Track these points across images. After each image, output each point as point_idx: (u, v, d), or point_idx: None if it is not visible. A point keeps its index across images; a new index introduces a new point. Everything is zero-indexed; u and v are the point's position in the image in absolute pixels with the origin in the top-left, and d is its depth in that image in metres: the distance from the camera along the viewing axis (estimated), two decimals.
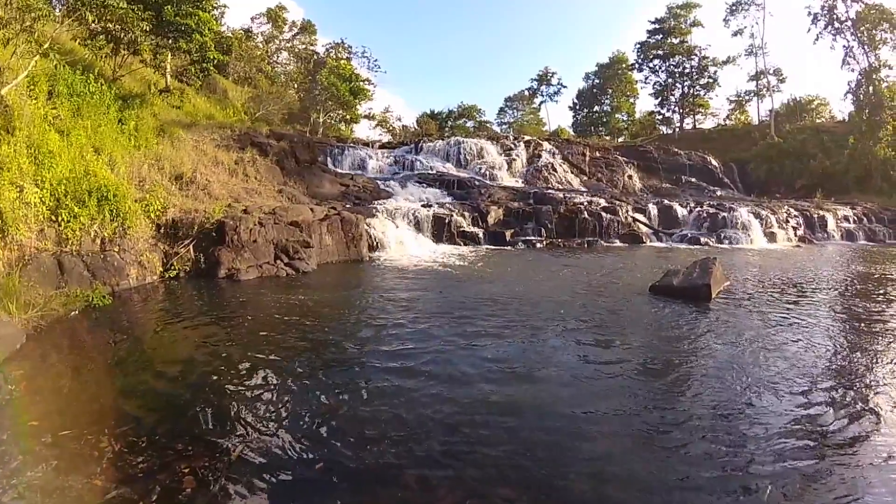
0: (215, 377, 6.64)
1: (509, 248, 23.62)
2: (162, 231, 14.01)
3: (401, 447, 4.97)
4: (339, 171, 30.97)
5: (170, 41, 23.01)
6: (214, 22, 27.17)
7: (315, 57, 43.37)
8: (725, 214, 29.43)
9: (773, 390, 6.57)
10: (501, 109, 78.17)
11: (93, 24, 17.51)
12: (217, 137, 22.77)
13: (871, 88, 46.17)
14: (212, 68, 27.54)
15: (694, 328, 9.82)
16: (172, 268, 13.37)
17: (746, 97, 66.39)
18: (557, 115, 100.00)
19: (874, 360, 8.14)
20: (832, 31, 49.77)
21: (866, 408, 6.17)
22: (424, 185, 30.50)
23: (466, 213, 24.89)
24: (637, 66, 69.13)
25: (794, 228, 30.69)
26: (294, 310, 10.44)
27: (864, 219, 34.48)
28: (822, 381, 7.00)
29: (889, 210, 35.89)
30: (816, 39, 50.82)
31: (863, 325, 10.52)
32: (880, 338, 9.49)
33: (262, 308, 10.68)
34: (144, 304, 10.96)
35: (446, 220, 23.55)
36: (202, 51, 24.59)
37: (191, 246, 13.91)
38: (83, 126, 14.02)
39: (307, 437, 5.14)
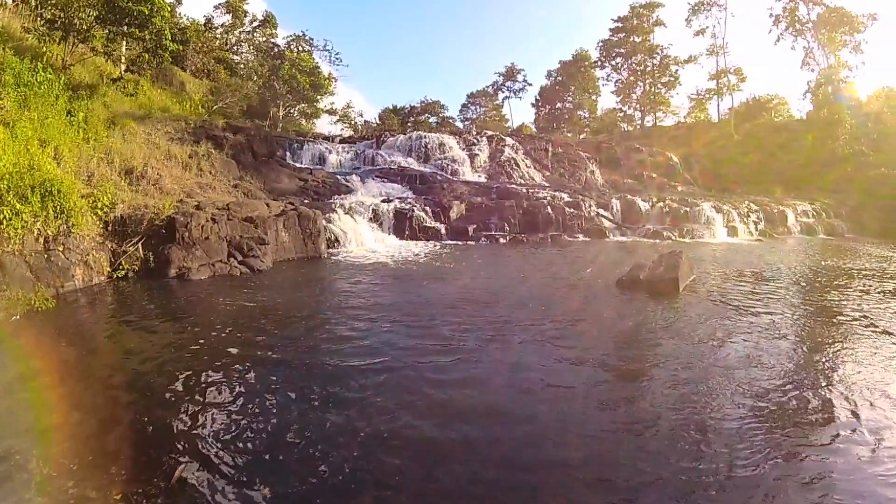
0: (159, 390, 6.31)
1: (472, 243, 23.46)
2: (110, 228, 13.42)
3: (356, 465, 4.77)
4: (297, 165, 30.46)
5: (123, 28, 22.20)
6: (169, 10, 26.43)
7: (275, 49, 42.50)
8: (687, 209, 30.01)
9: (745, 385, 6.77)
10: (464, 105, 77.89)
11: (37, 11, 16.84)
12: (171, 130, 22.15)
13: (829, 88, 47.38)
14: (167, 57, 26.70)
15: (664, 323, 9.91)
16: (121, 267, 12.80)
17: (707, 95, 67.35)
18: (520, 112, 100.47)
19: (831, 348, 8.61)
20: (793, 33, 51.42)
21: (828, 395, 6.54)
22: (385, 179, 30.20)
23: (428, 209, 24.70)
24: (599, 63, 69.60)
25: (755, 223, 31.44)
26: (245, 313, 10.04)
27: (823, 214, 35.37)
28: (787, 372, 7.35)
29: (846, 205, 36.87)
30: (777, 41, 52.61)
31: (822, 314, 11.13)
32: (838, 326, 10.03)
33: (211, 312, 10.23)
34: (90, 307, 10.48)
35: (408, 216, 23.33)
36: (158, 37, 23.78)
37: (140, 244, 13.35)
38: (29, 118, 13.46)
39: (254, 456, 4.89)
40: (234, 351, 7.75)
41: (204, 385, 6.44)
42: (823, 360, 7.95)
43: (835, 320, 10.53)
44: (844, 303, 12.25)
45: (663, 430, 5.46)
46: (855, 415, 5.95)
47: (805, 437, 5.40)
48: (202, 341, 8.19)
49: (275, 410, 5.84)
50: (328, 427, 5.47)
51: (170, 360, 7.29)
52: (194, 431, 5.29)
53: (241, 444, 5.06)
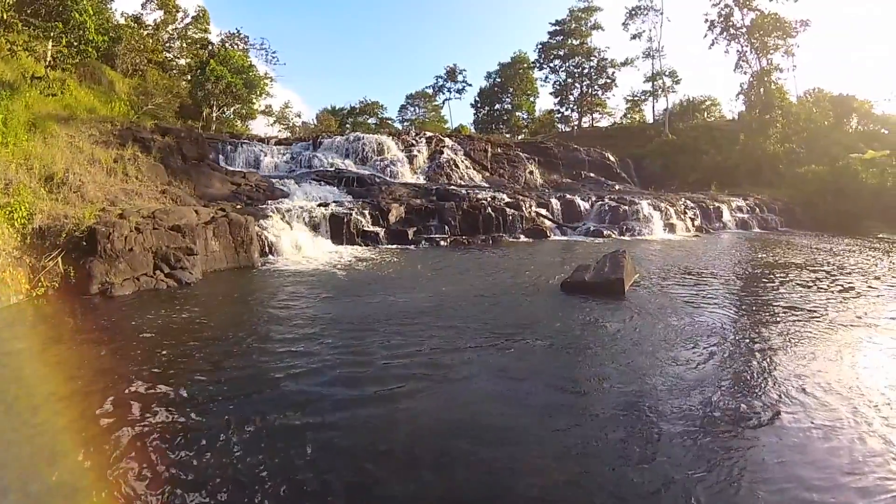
0: (71, 429, 5.79)
1: (412, 247, 23.26)
2: (28, 241, 12.59)
3: None
4: (230, 168, 29.64)
5: (43, 20, 21.08)
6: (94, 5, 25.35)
7: (210, 47, 41.45)
8: (626, 207, 30.79)
9: (702, 390, 6.82)
10: (403, 106, 78.52)
11: None
12: (96, 133, 21.13)
13: (762, 90, 49.25)
14: (92, 52, 25.53)
15: (614, 328, 9.91)
16: (40, 284, 11.93)
17: (642, 97, 69.29)
18: (459, 113, 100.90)
19: (773, 340, 9.10)
20: (727, 37, 53.47)
21: (780, 394, 6.74)
22: (322, 182, 29.80)
23: (367, 212, 24.31)
24: (538, 65, 70.64)
25: (692, 219, 32.66)
26: (170, 335, 9.43)
27: (757, 209, 37.07)
28: (741, 372, 7.68)
29: (779, 200, 38.77)
30: (712, 45, 55.00)
31: (762, 307, 11.85)
32: (779, 318, 10.60)
33: (133, 333, 9.53)
34: (9, 330, 9.68)
35: (345, 220, 22.90)
36: (80, 30, 22.62)
37: (59, 258, 12.53)
38: None
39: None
40: (153, 377, 7.20)
41: (118, 420, 5.96)
42: (773, 356, 8.27)
43: (775, 312, 11.15)
44: (782, 294, 13.10)
45: (624, 457, 5.28)
46: (806, 413, 6.16)
47: (761, 441, 5.51)
48: (118, 369, 7.62)
49: (198, 448, 5.34)
50: (258, 468, 5.00)
51: (84, 391, 6.80)
52: (104, 476, 4.79)
53: (161, 490, 4.63)
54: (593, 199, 32.56)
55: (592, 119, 70.74)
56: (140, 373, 7.45)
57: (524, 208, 28.55)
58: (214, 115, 38.09)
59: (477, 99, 74.67)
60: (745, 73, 53.16)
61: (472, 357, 8.21)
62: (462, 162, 39.78)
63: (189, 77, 39.36)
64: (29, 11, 20.04)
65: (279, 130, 50.69)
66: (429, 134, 42.95)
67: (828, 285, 14.19)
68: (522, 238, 26.71)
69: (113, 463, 5.05)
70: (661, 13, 61.44)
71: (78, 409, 6.25)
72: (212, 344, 9.01)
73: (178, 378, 7.26)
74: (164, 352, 8.43)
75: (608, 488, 4.71)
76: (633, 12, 62.12)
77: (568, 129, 67.14)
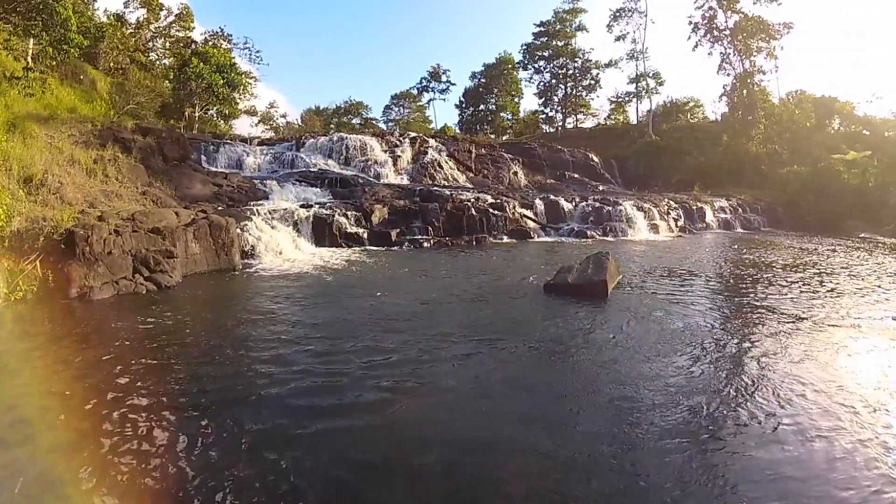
0: (40, 435, 5.73)
1: (395, 248, 23.25)
2: (6, 244, 12.39)
3: None
4: (212, 169, 29.43)
5: (23, 18, 20.80)
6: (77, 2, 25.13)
7: (193, 46, 41.19)
8: (610, 208, 31.06)
9: (686, 396, 6.78)
10: (387, 107, 78.73)
11: None
12: (76, 133, 20.90)
13: (744, 91, 49.75)
14: (73, 52, 25.25)
15: (597, 330, 9.93)
16: (18, 288, 11.66)
17: (626, 98, 69.73)
18: (444, 113, 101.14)
19: (759, 343, 9.14)
20: (711, 40, 53.90)
21: (763, 393, 6.84)
22: (305, 183, 29.69)
23: (349, 213, 24.23)
24: (523, 66, 71.08)
25: (675, 220, 33.03)
26: (148, 339, 9.26)
27: (740, 209, 37.72)
28: (726, 377, 7.61)
29: (761, 201, 39.44)
30: (696, 47, 55.30)
31: (746, 308, 11.89)
32: (763, 320, 10.70)
33: (110, 338, 9.36)
34: None
35: (328, 221, 22.90)
36: (62, 28, 22.35)
37: (37, 261, 12.35)
38: None
39: None
40: (131, 387, 7.07)
41: (92, 429, 5.86)
42: (760, 359, 8.26)
43: (759, 314, 11.24)
44: (766, 295, 13.22)
45: (608, 468, 5.21)
46: (797, 420, 6.12)
47: (749, 450, 5.44)
48: (95, 376, 7.49)
49: (173, 458, 5.25)
50: (233, 479, 4.93)
51: (60, 397, 6.71)
52: (77, 490, 4.72)
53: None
54: (577, 199, 32.73)
55: (577, 120, 71.33)
56: (116, 380, 7.36)
57: (508, 209, 28.65)
58: (197, 114, 37.84)
59: (461, 99, 75.05)
60: (729, 74, 53.87)
61: (454, 366, 8.09)
62: (446, 163, 39.86)
63: (171, 76, 39.07)
64: (7, 7, 19.76)
65: (263, 130, 50.78)
66: (413, 134, 43.05)
67: (812, 286, 14.40)
68: (506, 239, 26.87)
69: (83, 472, 5.00)
70: (646, 15, 62.32)
71: (53, 416, 6.19)
72: (189, 351, 8.86)
73: (154, 386, 7.15)
74: (141, 359, 8.28)
75: (592, 499, 4.68)
76: (618, 14, 62.95)
77: (552, 130, 67.67)
